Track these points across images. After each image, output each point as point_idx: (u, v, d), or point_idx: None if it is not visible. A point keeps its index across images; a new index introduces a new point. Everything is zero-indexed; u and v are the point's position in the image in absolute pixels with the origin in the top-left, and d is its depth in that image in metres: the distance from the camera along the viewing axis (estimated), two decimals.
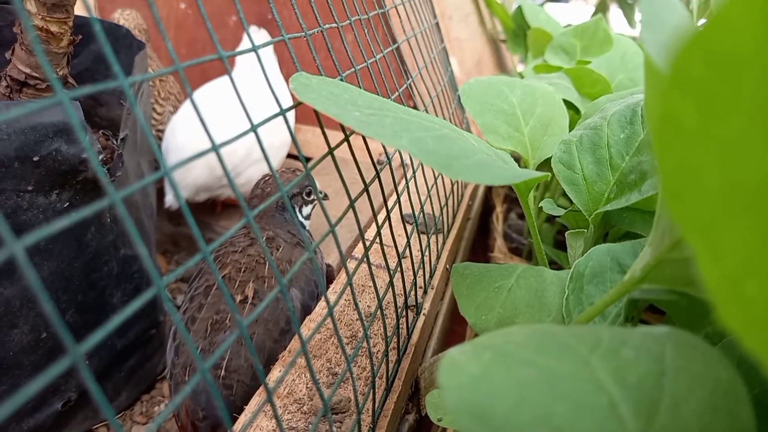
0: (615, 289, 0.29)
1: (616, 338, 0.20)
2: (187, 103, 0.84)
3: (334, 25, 0.42)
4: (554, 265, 0.67)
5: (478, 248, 0.90)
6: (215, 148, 0.25)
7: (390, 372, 0.44)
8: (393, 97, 0.46)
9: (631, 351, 0.19)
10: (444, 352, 0.51)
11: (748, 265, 0.13)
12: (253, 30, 0.90)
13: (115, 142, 0.52)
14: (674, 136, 0.12)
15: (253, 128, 0.30)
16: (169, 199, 0.78)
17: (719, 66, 0.11)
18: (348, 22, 0.45)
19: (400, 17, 0.63)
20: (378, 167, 0.41)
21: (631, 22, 1.66)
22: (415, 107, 0.89)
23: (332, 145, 0.36)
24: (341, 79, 0.39)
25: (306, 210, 0.66)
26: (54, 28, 0.44)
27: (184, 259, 0.87)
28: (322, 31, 0.40)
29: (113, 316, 0.58)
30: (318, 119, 0.36)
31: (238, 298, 0.53)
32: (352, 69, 0.42)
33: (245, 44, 0.92)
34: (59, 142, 0.43)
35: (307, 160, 1.02)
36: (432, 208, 0.61)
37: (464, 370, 0.17)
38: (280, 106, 0.32)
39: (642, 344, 0.20)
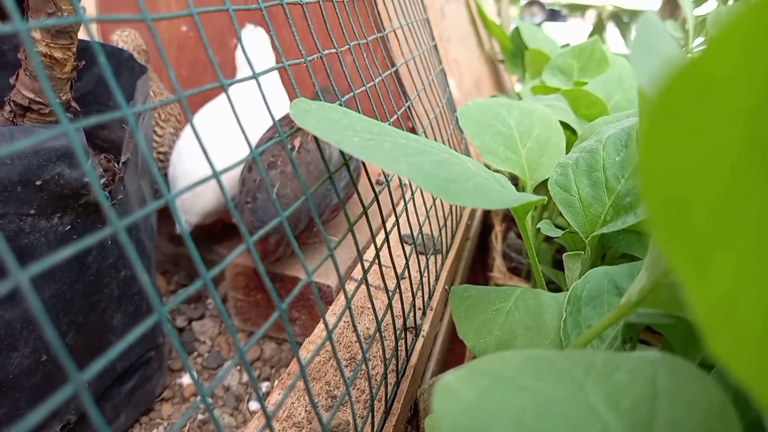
0: (612, 312, 0.30)
1: (609, 363, 0.20)
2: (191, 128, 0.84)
3: (333, 50, 0.43)
4: (552, 285, 0.67)
5: (478, 267, 0.90)
6: (216, 175, 0.26)
7: (389, 394, 0.44)
8: (392, 120, 0.47)
9: (624, 375, 0.20)
10: (442, 374, 0.51)
11: (737, 294, 0.13)
12: (250, 29, 0.89)
13: (116, 164, 0.53)
14: (659, 168, 0.12)
15: (254, 154, 0.30)
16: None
17: (706, 102, 0.11)
18: (347, 47, 0.46)
19: (398, 40, 0.64)
20: (377, 189, 0.42)
21: (627, 41, 1.68)
22: (413, 128, 0.90)
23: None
24: (340, 104, 0.40)
25: None
26: (58, 55, 0.45)
27: (185, 280, 0.87)
28: (320, 53, 0.41)
29: (113, 337, 0.58)
30: (317, 142, 0.36)
31: (288, 146, 0.63)
32: (351, 94, 0.42)
33: (241, 53, 0.92)
34: (62, 167, 0.43)
35: None
36: (431, 228, 0.61)
37: (460, 396, 0.18)
38: (280, 131, 0.33)
39: (635, 368, 0.20)
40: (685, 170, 0.12)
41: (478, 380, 0.19)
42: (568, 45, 1.35)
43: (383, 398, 0.43)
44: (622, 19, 1.74)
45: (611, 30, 1.81)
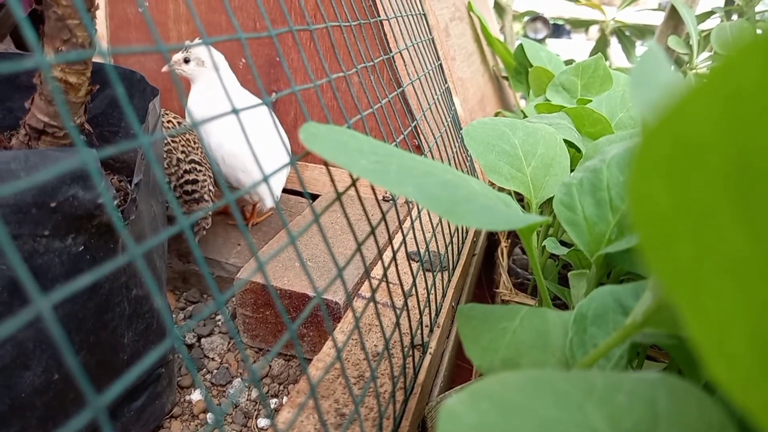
0: (617, 333, 0.30)
1: (609, 384, 0.20)
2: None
3: (341, 74, 0.43)
4: (558, 301, 0.67)
5: (484, 283, 0.90)
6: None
7: (397, 412, 0.44)
8: (398, 140, 0.48)
9: (625, 397, 0.20)
10: (449, 392, 0.51)
11: (728, 325, 0.14)
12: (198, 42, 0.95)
13: (129, 185, 0.54)
14: (647, 210, 0.13)
15: (265, 178, 0.31)
16: (269, 203, 0.90)
17: (683, 149, 0.12)
18: (354, 70, 0.47)
19: (404, 61, 0.65)
20: (383, 205, 0.42)
21: (630, 57, 1.69)
22: (419, 146, 0.90)
23: (337, 183, 0.37)
24: (348, 126, 0.41)
25: None
26: (73, 80, 0.46)
27: (194, 296, 0.88)
28: (328, 77, 0.41)
29: (124, 355, 0.58)
30: (325, 161, 0.37)
31: None
32: (359, 116, 0.43)
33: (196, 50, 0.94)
34: (76, 188, 0.44)
35: (314, 197, 1.03)
36: (437, 245, 0.62)
37: (462, 420, 0.18)
38: (282, 140, 0.34)
39: (635, 390, 0.20)
40: (669, 212, 0.12)
41: (480, 403, 0.19)
42: (572, 61, 1.36)
43: (391, 416, 0.43)
44: (625, 33, 1.76)
45: (615, 45, 1.82)
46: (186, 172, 0.80)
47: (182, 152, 0.82)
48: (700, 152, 0.12)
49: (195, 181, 0.80)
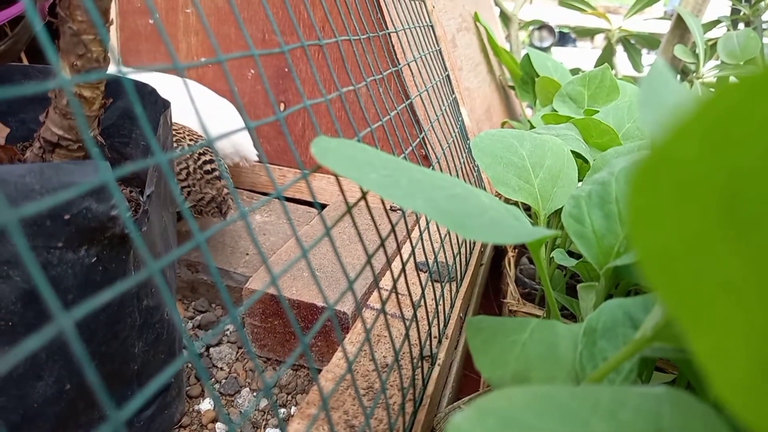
0: (627, 347, 0.30)
1: (615, 399, 0.21)
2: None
3: (351, 87, 0.44)
4: (565, 311, 0.67)
5: (491, 293, 0.90)
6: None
7: (406, 424, 0.44)
8: (407, 152, 0.48)
9: (630, 412, 0.20)
10: (457, 403, 0.51)
11: (728, 343, 0.14)
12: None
13: (140, 196, 0.54)
14: (645, 231, 0.13)
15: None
16: (252, 155, 0.98)
17: (677, 174, 0.12)
18: (364, 83, 0.48)
19: (412, 72, 0.65)
20: (391, 215, 0.43)
21: (636, 66, 1.69)
22: (426, 156, 0.91)
23: (346, 193, 0.37)
24: (358, 139, 0.41)
25: None
26: (87, 93, 0.47)
27: (202, 306, 0.88)
28: (338, 90, 0.42)
29: (134, 366, 0.58)
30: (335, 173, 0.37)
31: None
32: (368, 129, 0.44)
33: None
34: (90, 201, 0.45)
35: (322, 206, 1.04)
36: (445, 256, 0.62)
37: None
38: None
39: (640, 405, 0.21)
40: (666, 235, 0.13)
41: (487, 420, 0.20)
42: (578, 70, 1.37)
43: (401, 428, 0.43)
44: (631, 42, 1.76)
45: (620, 53, 1.83)
46: (201, 154, 0.84)
47: (191, 140, 0.85)
48: (692, 177, 0.12)
49: (211, 161, 0.85)
